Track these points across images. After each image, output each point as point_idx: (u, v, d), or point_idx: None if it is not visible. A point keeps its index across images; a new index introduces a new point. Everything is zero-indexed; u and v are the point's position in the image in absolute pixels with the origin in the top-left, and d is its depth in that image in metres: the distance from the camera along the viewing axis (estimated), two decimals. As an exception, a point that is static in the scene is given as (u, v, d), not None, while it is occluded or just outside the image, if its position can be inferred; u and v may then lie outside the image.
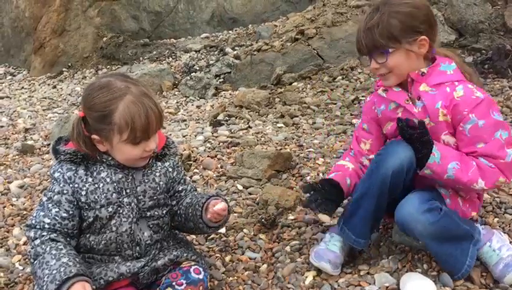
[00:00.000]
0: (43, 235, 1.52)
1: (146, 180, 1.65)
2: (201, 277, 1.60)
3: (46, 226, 1.53)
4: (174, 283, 1.56)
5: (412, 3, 1.72)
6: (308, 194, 1.85)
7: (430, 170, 1.65)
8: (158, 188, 1.67)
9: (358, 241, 1.82)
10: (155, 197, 1.66)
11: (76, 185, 1.57)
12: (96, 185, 1.58)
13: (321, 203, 1.80)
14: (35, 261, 1.49)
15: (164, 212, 1.70)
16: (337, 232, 1.89)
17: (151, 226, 1.66)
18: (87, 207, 1.57)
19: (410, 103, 1.77)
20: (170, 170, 1.73)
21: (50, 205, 1.56)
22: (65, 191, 1.56)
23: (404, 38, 1.70)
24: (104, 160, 1.60)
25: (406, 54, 1.72)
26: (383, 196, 1.74)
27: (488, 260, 1.75)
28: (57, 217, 1.54)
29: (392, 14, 1.69)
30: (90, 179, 1.58)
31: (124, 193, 1.60)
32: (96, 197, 1.57)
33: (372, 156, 1.86)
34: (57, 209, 1.55)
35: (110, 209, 1.58)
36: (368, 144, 1.95)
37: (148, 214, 1.65)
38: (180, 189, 1.78)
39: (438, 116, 1.71)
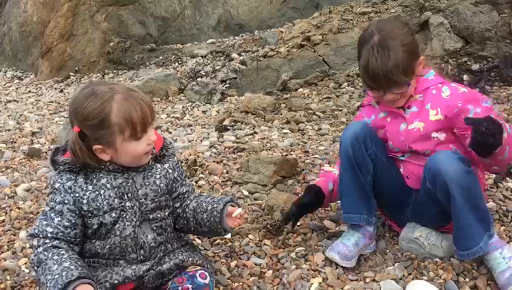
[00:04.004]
0: (46, 243, 1.53)
1: (147, 183, 1.65)
2: (207, 281, 1.60)
3: (49, 235, 1.54)
4: (180, 288, 1.56)
5: (407, 31, 1.83)
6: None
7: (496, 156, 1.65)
8: (159, 190, 1.67)
9: (359, 217, 1.91)
10: (156, 200, 1.66)
11: (77, 195, 1.57)
12: (97, 192, 1.58)
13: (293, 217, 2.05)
14: (39, 268, 1.50)
15: (166, 214, 1.70)
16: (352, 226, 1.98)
17: (154, 228, 1.66)
18: (90, 215, 1.57)
19: (401, 110, 1.89)
20: (170, 171, 1.73)
21: (52, 215, 1.56)
22: (66, 201, 1.57)
23: (415, 66, 1.80)
24: (103, 166, 1.59)
25: (415, 78, 1.84)
26: (353, 167, 1.85)
27: (495, 265, 1.74)
28: (59, 226, 1.55)
29: (401, 48, 1.75)
30: (90, 187, 1.58)
31: (126, 197, 1.61)
32: (98, 204, 1.57)
33: None
34: (59, 219, 1.55)
35: (113, 214, 1.58)
36: None
37: (151, 216, 1.65)
38: (184, 191, 1.78)
39: (429, 116, 1.82)
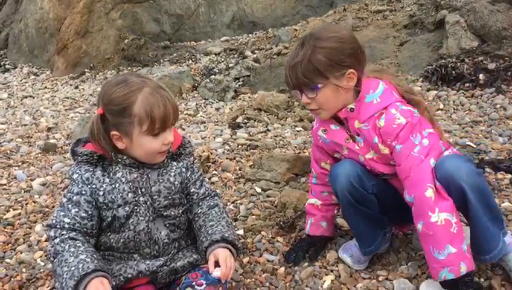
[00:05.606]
0: (63, 234, 1.55)
1: (161, 180, 1.66)
2: (221, 277, 1.60)
3: (66, 225, 1.56)
4: (194, 283, 1.57)
5: (337, 37, 1.69)
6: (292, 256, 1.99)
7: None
8: (173, 188, 1.68)
9: (377, 245, 1.86)
10: (170, 197, 1.67)
11: (94, 186, 1.59)
12: (113, 186, 1.60)
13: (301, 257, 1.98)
14: (55, 260, 1.52)
15: (180, 211, 1.71)
16: None
17: (167, 225, 1.67)
18: (105, 207, 1.60)
19: (351, 141, 1.79)
20: (184, 170, 1.74)
21: (70, 206, 1.58)
22: (83, 192, 1.59)
23: (331, 73, 1.66)
24: (120, 160, 1.62)
25: (335, 89, 1.69)
26: (357, 208, 1.77)
27: (513, 267, 1.72)
28: (76, 217, 1.57)
29: (317, 50, 1.65)
30: (107, 180, 1.60)
31: (140, 192, 1.62)
32: (113, 197, 1.59)
33: None
34: (76, 210, 1.57)
35: (127, 208, 1.60)
36: (327, 163, 1.97)
37: (165, 213, 1.66)
38: (192, 191, 1.77)
39: (380, 150, 1.73)
